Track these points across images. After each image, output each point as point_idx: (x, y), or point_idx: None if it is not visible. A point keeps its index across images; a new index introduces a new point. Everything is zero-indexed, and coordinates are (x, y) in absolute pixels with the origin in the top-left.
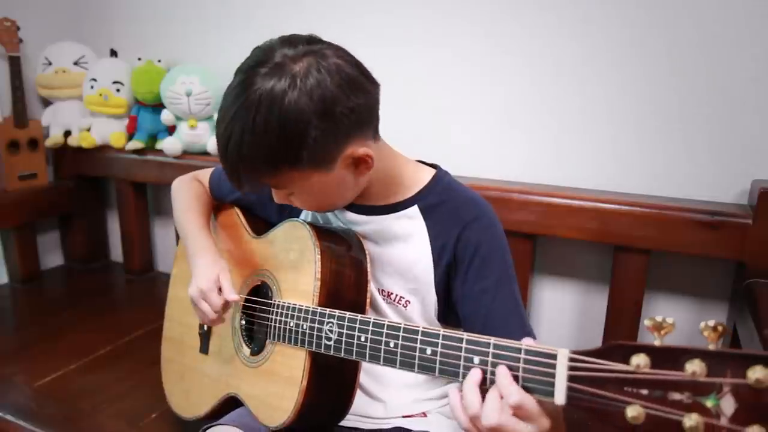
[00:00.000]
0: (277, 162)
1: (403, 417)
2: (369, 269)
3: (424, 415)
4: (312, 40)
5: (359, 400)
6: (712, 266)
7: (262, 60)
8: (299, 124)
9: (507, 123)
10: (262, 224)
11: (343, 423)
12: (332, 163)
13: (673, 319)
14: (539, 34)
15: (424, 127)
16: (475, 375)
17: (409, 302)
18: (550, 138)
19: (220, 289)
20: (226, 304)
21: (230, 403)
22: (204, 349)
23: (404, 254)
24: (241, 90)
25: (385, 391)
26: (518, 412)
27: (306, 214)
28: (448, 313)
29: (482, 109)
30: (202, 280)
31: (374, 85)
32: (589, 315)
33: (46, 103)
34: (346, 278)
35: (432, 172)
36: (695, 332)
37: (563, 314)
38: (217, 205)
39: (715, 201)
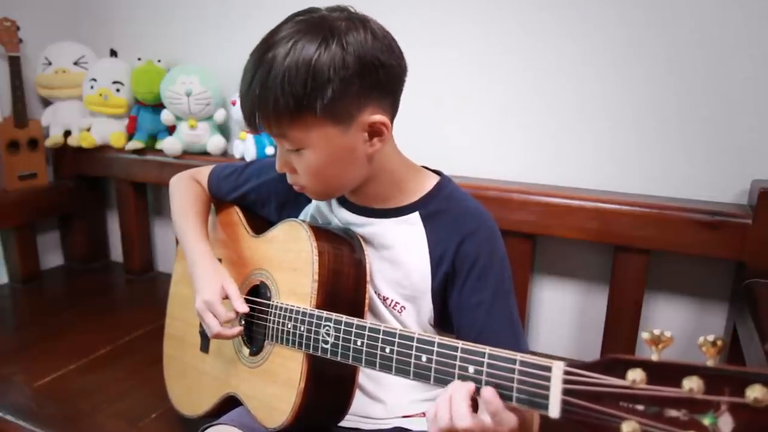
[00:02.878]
0: (299, 102)
1: (403, 417)
2: (368, 270)
3: (424, 415)
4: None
5: (359, 401)
6: (711, 266)
7: (307, 10)
8: (329, 67)
9: (506, 123)
10: (261, 223)
11: (343, 423)
12: (349, 121)
13: (671, 333)
14: (538, 34)
15: (423, 127)
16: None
17: (404, 308)
18: (548, 138)
19: (224, 298)
20: (234, 316)
21: (230, 402)
22: (204, 347)
23: (402, 260)
24: (280, 29)
25: (385, 392)
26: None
27: (305, 214)
28: (444, 322)
29: (481, 109)
30: (207, 291)
31: (404, 63)
32: (589, 315)
33: (46, 103)
34: (345, 279)
35: (436, 179)
36: (695, 332)
37: (563, 314)
38: (217, 202)
39: (715, 201)
